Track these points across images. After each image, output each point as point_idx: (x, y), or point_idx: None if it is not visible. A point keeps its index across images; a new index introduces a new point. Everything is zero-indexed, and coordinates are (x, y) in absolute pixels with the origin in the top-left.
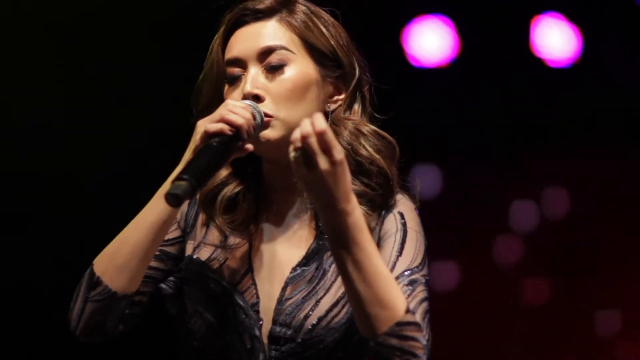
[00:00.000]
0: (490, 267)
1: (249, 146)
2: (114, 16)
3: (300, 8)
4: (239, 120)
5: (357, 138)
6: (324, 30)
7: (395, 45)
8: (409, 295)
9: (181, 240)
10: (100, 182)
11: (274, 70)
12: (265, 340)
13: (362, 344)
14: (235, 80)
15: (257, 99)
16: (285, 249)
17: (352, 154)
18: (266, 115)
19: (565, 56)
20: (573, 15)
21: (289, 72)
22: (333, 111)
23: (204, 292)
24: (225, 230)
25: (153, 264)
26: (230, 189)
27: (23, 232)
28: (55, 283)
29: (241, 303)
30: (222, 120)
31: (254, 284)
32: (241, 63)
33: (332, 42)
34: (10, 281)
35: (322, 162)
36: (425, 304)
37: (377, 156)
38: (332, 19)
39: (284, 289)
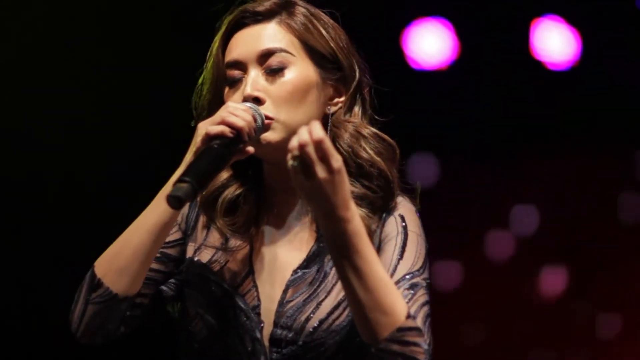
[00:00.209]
0: (490, 268)
1: (250, 148)
2: (113, 17)
3: (300, 10)
4: (239, 122)
5: (357, 140)
6: (323, 32)
7: (395, 48)
8: (410, 300)
9: (182, 243)
10: (100, 183)
11: (274, 72)
12: (266, 342)
13: (363, 346)
14: (235, 83)
15: (257, 101)
16: (286, 252)
17: (352, 156)
18: (267, 117)
19: (565, 59)
20: (572, 18)
21: (289, 75)
22: (333, 113)
23: (204, 295)
24: (226, 232)
25: (154, 266)
26: (231, 192)
27: (23, 233)
28: (56, 285)
29: (242, 305)
30: (223, 122)
31: (255, 286)
32: (241, 66)
33: (332, 45)
34: (10, 282)
35: (320, 171)
36: (426, 308)
37: (378, 158)
38: (332, 21)
39: (285, 291)
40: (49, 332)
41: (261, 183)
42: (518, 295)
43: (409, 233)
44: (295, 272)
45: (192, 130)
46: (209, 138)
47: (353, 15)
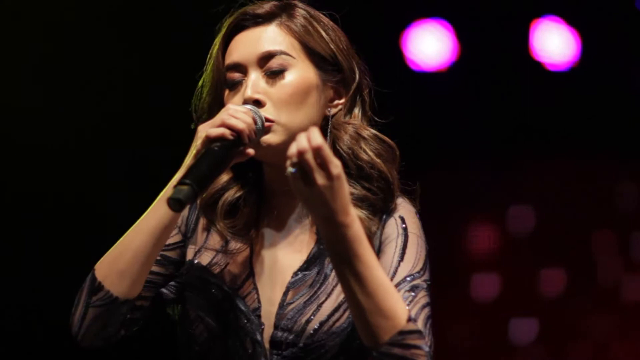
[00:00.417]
0: (490, 268)
1: (250, 151)
2: (114, 17)
3: (300, 12)
4: (240, 124)
5: (357, 142)
6: (323, 34)
7: (395, 49)
8: (410, 302)
9: (182, 245)
10: (100, 184)
11: (274, 75)
12: (267, 345)
13: (363, 348)
14: (235, 85)
15: (258, 104)
16: (287, 254)
17: (352, 158)
18: (267, 120)
19: (564, 59)
20: (572, 19)
21: (290, 77)
22: (333, 115)
23: (205, 297)
24: (226, 235)
25: (154, 268)
26: (232, 194)
27: (23, 233)
28: (56, 288)
29: (242, 308)
30: (224, 124)
31: (255, 288)
32: (241, 68)
33: (332, 47)
34: (10, 284)
35: (319, 177)
36: (427, 310)
37: (378, 160)
38: (331, 22)
39: (285, 293)
40: (49, 336)
41: (261, 185)
42: (516, 296)
43: (409, 235)
44: (295, 274)
45: (192, 133)
46: (209, 140)
47: (353, 16)
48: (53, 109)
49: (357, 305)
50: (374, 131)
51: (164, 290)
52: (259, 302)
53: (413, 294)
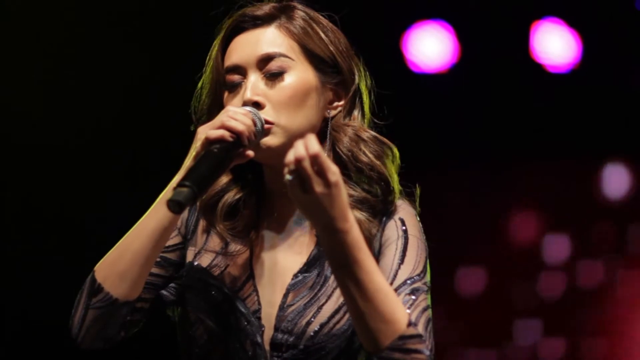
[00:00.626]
0: (489, 269)
1: (250, 152)
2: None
3: (299, 14)
4: (239, 126)
5: (357, 144)
6: (323, 36)
7: (395, 51)
8: (411, 305)
9: (182, 247)
10: (100, 185)
11: (273, 77)
12: (267, 347)
13: (364, 351)
14: (235, 87)
15: (257, 106)
16: (287, 256)
17: (352, 160)
18: (267, 122)
19: (565, 61)
20: (573, 20)
21: (289, 79)
22: (333, 117)
23: (205, 299)
24: (226, 236)
25: (154, 270)
26: (231, 196)
27: (23, 235)
28: (56, 289)
29: (243, 310)
30: (223, 126)
31: (256, 290)
32: (241, 70)
33: (331, 48)
34: (10, 284)
35: (317, 185)
36: (427, 313)
37: (377, 162)
38: (331, 24)
39: (285, 295)
40: (49, 338)
41: (261, 187)
42: (517, 295)
43: (410, 237)
44: (295, 276)
45: (192, 135)
46: (208, 142)
47: (354, 18)
48: (53, 109)
49: (357, 310)
50: (373, 133)
51: (163, 292)
52: (259, 304)
53: (413, 297)
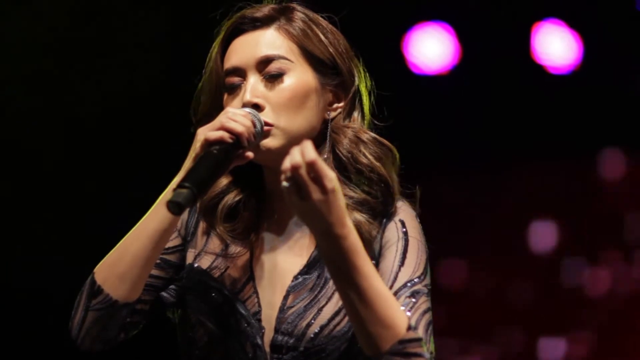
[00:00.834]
0: (490, 270)
1: (250, 154)
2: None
3: (299, 16)
4: (239, 127)
5: (357, 146)
6: (322, 38)
7: (396, 52)
8: (411, 308)
9: (182, 249)
10: (100, 185)
11: (273, 79)
12: (267, 349)
13: (364, 353)
14: (234, 89)
15: (257, 107)
16: (287, 257)
17: (352, 161)
18: (266, 124)
19: (566, 62)
20: (573, 22)
21: (288, 81)
22: (333, 119)
23: (205, 301)
24: (226, 238)
25: (154, 272)
26: (231, 197)
27: (23, 235)
28: (56, 289)
29: (243, 312)
30: (223, 128)
31: (256, 292)
32: (240, 72)
33: (331, 50)
34: (10, 284)
35: (314, 192)
36: (428, 315)
37: (377, 163)
38: (330, 26)
39: (285, 297)
40: (49, 340)
41: (261, 189)
42: (516, 296)
43: (410, 239)
44: (295, 278)
45: (192, 136)
46: (208, 144)
47: (354, 19)
48: (53, 109)
49: (357, 315)
50: (373, 134)
51: (164, 293)
52: (259, 305)
53: (414, 299)
